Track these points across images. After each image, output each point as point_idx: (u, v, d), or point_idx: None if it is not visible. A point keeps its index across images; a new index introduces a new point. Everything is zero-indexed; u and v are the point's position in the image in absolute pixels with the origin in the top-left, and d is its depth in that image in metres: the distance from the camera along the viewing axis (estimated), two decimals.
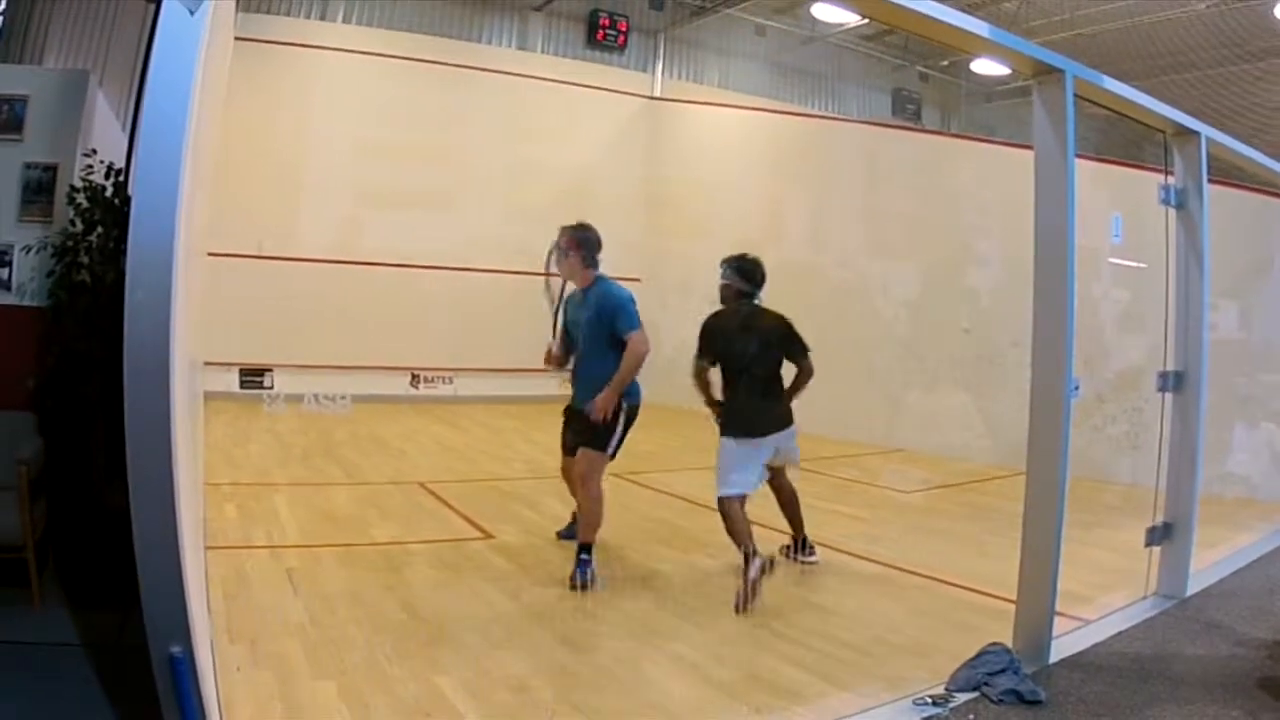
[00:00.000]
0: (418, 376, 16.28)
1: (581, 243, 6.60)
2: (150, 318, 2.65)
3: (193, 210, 3.05)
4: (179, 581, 2.76)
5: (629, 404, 6.52)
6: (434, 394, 16.31)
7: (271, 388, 14.89)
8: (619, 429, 6.53)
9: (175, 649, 2.80)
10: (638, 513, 8.47)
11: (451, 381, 16.41)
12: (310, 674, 4.57)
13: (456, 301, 16.03)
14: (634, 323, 6.36)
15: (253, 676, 4.45)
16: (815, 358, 6.58)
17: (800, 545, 7.13)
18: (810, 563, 7.10)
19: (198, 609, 3.07)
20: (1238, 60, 16.92)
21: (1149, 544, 6.36)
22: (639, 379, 6.53)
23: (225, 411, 12.64)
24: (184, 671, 2.81)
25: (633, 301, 6.48)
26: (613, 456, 6.63)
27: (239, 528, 7.35)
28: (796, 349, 6.67)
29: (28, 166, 7.29)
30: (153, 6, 2.91)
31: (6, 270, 7.20)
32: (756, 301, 6.79)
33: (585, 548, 6.44)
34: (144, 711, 3.02)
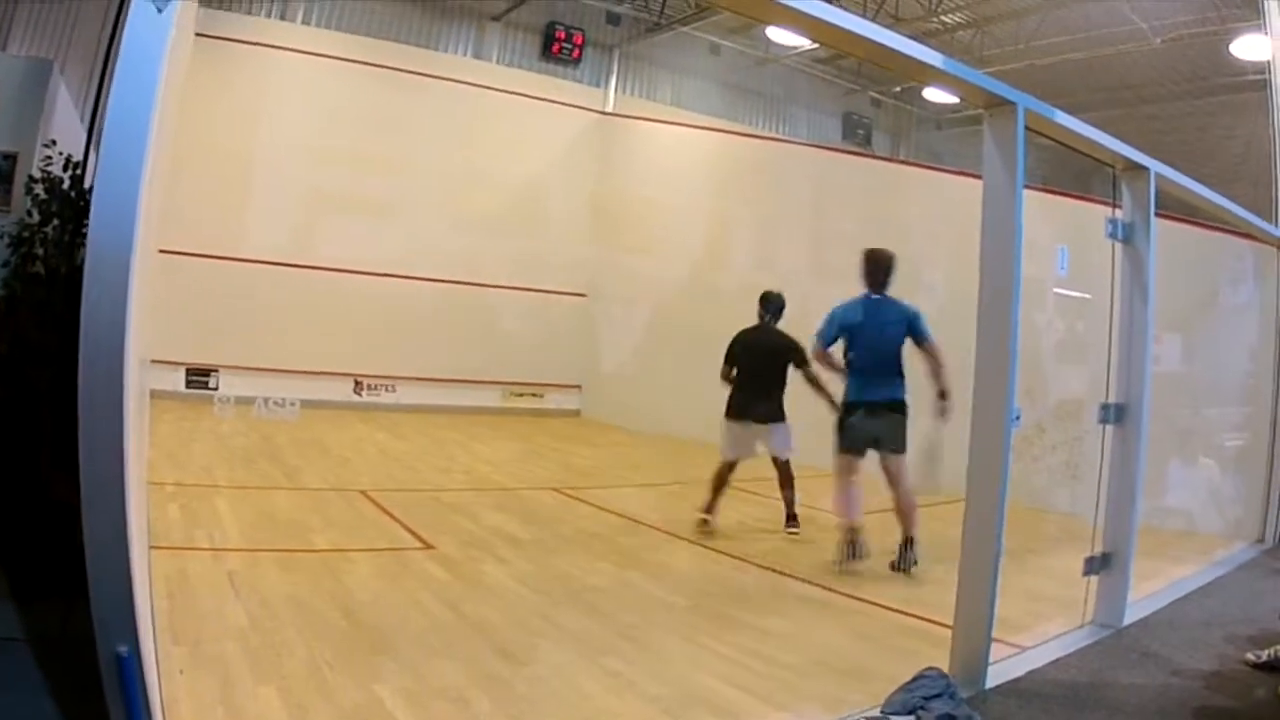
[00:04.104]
0: (361, 383, 16.20)
1: None
2: (107, 314, 2.65)
3: (150, 207, 3.04)
4: (128, 580, 2.75)
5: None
6: (377, 401, 16.22)
7: (217, 389, 14.76)
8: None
9: (121, 648, 2.79)
10: (576, 528, 8.51)
11: (394, 389, 16.32)
12: (251, 679, 4.54)
13: (401, 309, 15.93)
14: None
15: (195, 679, 4.42)
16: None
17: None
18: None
19: (143, 608, 3.06)
20: (1192, 95, 17.21)
21: (1087, 573, 6.40)
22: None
23: (171, 410, 12.58)
24: (131, 671, 2.80)
25: None
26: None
27: (181, 528, 7.31)
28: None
29: None
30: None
31: None
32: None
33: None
34: (85, 704, 3.00)
